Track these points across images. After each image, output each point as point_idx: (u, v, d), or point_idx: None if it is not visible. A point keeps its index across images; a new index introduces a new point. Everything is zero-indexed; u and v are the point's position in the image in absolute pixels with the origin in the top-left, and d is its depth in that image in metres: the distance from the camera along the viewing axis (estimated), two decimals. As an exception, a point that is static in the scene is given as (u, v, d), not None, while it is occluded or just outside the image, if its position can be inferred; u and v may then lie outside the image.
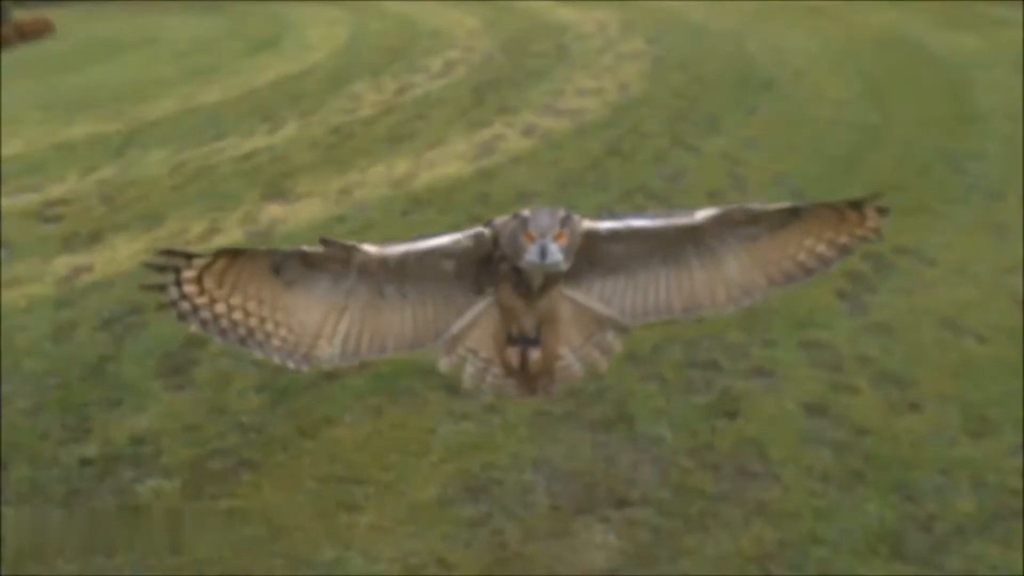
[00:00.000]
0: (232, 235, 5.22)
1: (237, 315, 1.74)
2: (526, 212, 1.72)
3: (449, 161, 6.50)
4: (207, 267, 1.67)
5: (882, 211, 1.72)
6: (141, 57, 11.43)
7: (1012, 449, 3.16)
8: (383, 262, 1.72)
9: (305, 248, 1.65)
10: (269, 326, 1.77)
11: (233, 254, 1.63)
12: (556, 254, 1.69)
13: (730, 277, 1.81)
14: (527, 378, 1.89)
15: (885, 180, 5.83)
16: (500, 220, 1.76)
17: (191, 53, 11.36)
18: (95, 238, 5.41)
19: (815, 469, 3.10)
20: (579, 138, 6.85)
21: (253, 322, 1.75)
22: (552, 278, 1.77)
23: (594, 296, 1.90)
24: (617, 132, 6.91)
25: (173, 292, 1.72)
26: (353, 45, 11.28)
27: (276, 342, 1.79)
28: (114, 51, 11.91)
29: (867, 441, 3.24)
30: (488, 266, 1.80)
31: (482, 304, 1.88)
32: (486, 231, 1.79)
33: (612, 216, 1.83)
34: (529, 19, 12.27)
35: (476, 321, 1.89)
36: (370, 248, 1.70)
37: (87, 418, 3.57)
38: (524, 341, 1.83)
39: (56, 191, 6.31)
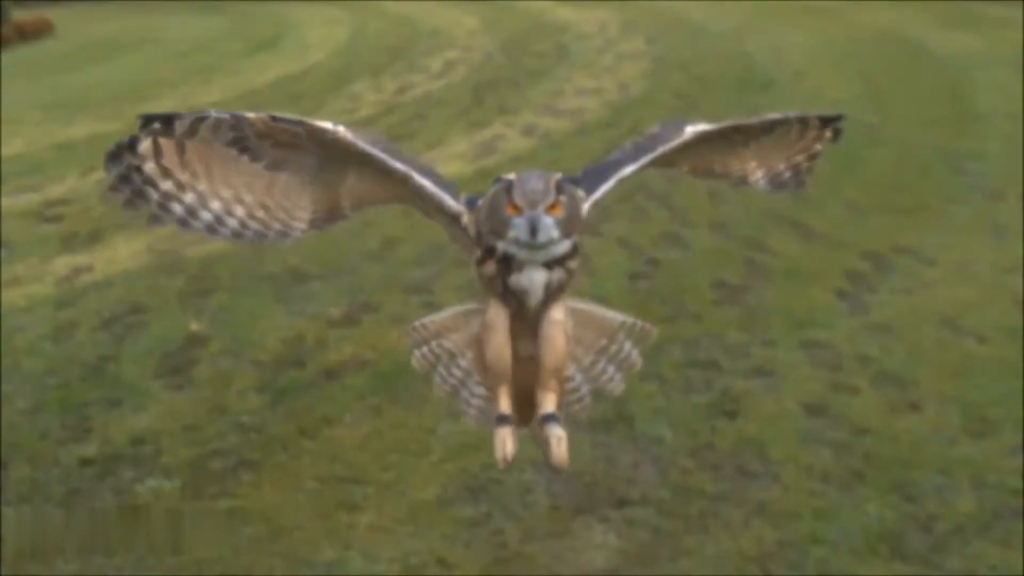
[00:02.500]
0: (232, 235, 5.22)
1: (214, 204, 1.45)
2: (510, 175, 1.44)
3: (449, 161, 6.50)
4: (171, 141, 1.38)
5: (837, 133, 1.69)
6: (141, 57, 11.43)
7: (1012, 449, 3.16)
8: (352, 149, 1.48)
9: (267, 117, 1.42)
10: (238, 209, 1.50)
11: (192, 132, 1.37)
12: (550, 230, 1.39)
13: (676, 167, 1.80)
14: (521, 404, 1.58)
15: (885, 180, 5.83)
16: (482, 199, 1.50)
17: (191, 53, 11.36)
18: (95, 238, 5.41)
19: (815, 469, 3.10)
20: (579, 138, 6.85)
21: (216, 205, 1.47)
22: (556, 284, 1.45)
23: None
24: (617, 132, 6.91)
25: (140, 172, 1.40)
26: (353, 45, 11.29)
27: (254, 224, 1.51)
28: (114, 51, 11.91)
29: (867, 441, 3.24)
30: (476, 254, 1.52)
31: (468, 305, 1.62)
32: (463, 210, 1.51)
33: (585, 173, 1.62)
34: (529, 19, 12.27)
35: (455, 320, 1.63)
36: (338, 127, 1.46)
37: (87, 418, 3.57)
38: (545, 417, 1.50)
39: (56, 191, 6.31)
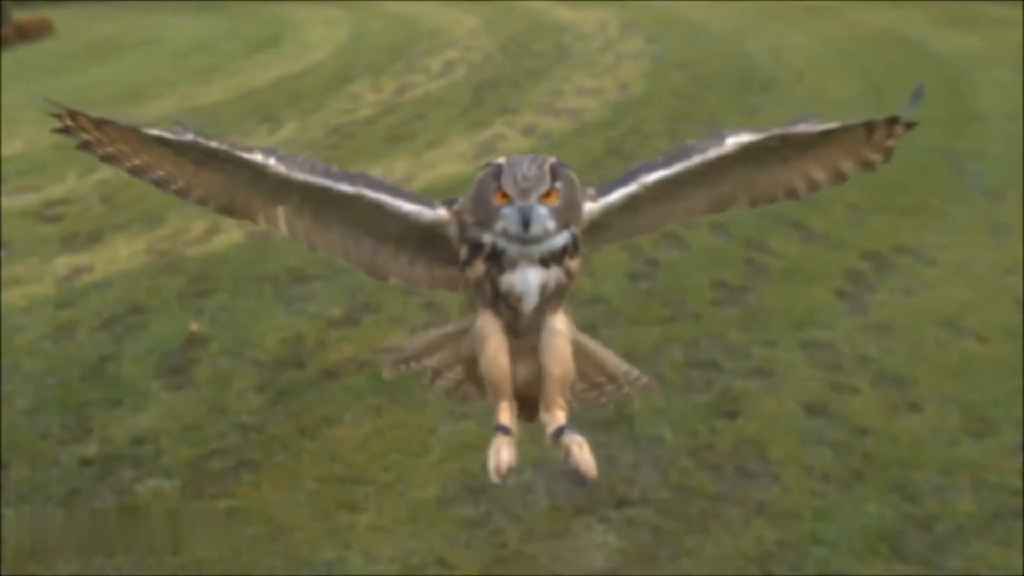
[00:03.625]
0: (232, 235, 5.22)
1: (159, 172, 1.49)
2: (500, 160, 1.30)
3: (449, 161, 6.50)
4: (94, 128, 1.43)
5: (910, 125, 1.48)
6: (141, 57, 11.43)
7: (1012, 449, 3.16)
8: (290, 181, 1.43)
9: (182, 139, 1.42)
10: (199, 190, 1.52)
11: (102, 120, 1.43)
12: (544, 221, 1.26)
13: (722, 195, 1.56)
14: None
15: (885, 180, 5.83)
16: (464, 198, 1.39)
17: (191, 53, 11.36)
18: (95, 238, 5.41)
19: (815, 469, 3.10)
20: (579, 138, 6.85)
21: (181, 183, 1.50)
22: (554, 286, 1.33)
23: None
24: (617, 132, 6.91)
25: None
26: (353, 45, 11.29)
27: (214, 202, 1.52)
28: (114, 51, 11.91)
29: (867, 441, 3.24)
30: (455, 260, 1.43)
31: (453, 326, 1.52)
32: (441, 213, 1.38)
33: (615, 182, 1.46)
34: (529, 19, 12.27)
35: (439, 341, 1.53)
36: (269, 160, 1.41)
37: (87, 418, 3.57)
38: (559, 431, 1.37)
39: (56, 191, 6.31)
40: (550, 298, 1.35)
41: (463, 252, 1.37)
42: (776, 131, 1.44)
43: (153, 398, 3.70)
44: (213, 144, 1.41)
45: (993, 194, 5.52)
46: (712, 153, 1.44)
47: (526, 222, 1.26)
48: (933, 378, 3.61)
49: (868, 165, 1.50)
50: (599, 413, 3.46)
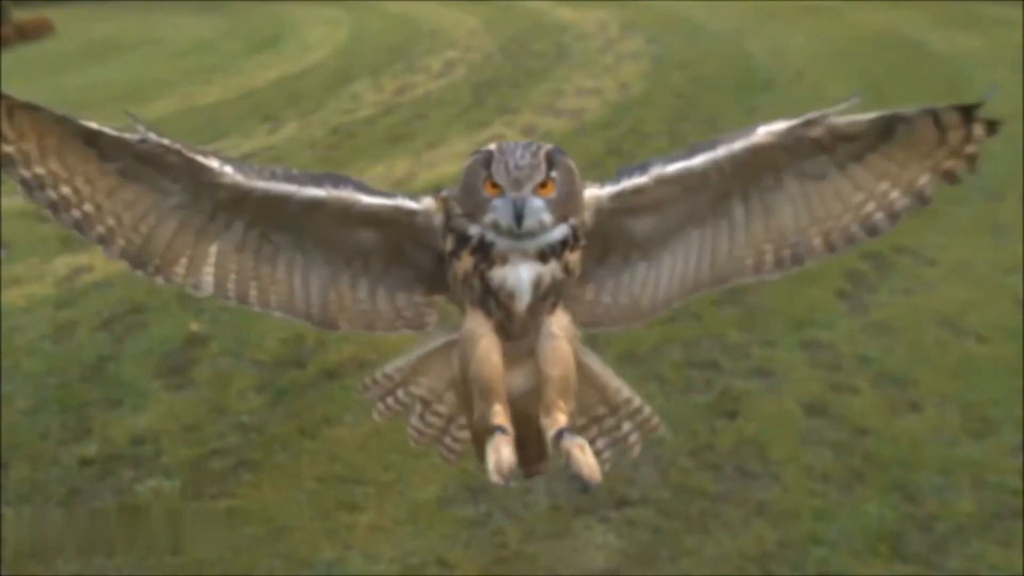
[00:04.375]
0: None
1: (64, 189, 1.29)
2: (491, 146, 1.19)
3: (449, 161, 6.50)
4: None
5: (992, 125, 1.25)
6: (141, 57, 11.43)
7: (1012, 449, 3.16)
8: (247, 193, 1.25)
9: (127, 136, 1.26)
10: (108, 220, 1.32)
11: (27, 106, 1.24)
12: (539, 214, 1.15)
13: (781, 231, 1.32)
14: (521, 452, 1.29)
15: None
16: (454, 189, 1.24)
17: (191, 53, 11.36)
18: (95, 238, 5.40)
19: (815, 469, 3.10)
20: (579, 138, 6.85)
21: (88, 208, 1.32)
22: (550, 282, 1.21)
23: (599, 287, 1.36)
24: (617, 132, 6.91)
25: None
26: (353, 45, 11.29)
27: (120, 241, 1.34)
28: (114, 51, 11.91)
29: (867, 441, 3.24)
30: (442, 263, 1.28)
31: (440, 339, 1.36)
32: (427, 202, 1.24)
33: (623, 172, 1.29)
34: (529, 19, 12.27)
35: (427, 361, 1.37)
36: (225, 167, 1.24)
37: (87, 418, 3.57)
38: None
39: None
40: (546, 295, 1.23)
41: (449, 242, 1.23)
42: (812, 115, 1.25)
43: (153, 398, 3.70)
44: (167, 142, 1.24)
45: (993, 194, 5.52)
46: (740, 143, 1.26)
47: (519, 215, 1.15)
48: (933, 378, 3.61)
49: (949, 176, 1.28)
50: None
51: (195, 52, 11.38)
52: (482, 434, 1.27)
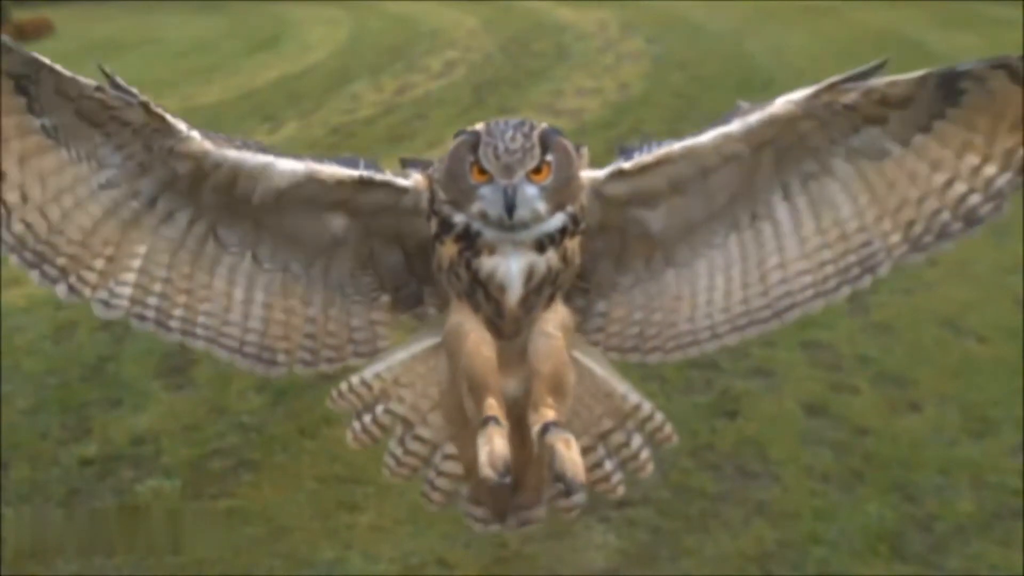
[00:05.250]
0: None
1: None
2: (478, 126, 1.06)
3: (449, 161, 6.50)
4: None
5: None
6: (141, 57, 11.43)
7: (1012, 449, 3.16)
8: (212, 167, 1.06)
9: (82, 80, 1.07)
10: (10, 194, 1.06)
11: None
12: (533, 203, 1.02)
13: (841, 229, 1.13)
14: (503, 491, 1.17)
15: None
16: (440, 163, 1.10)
17: (191, 53, 11.36)
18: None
19: (815, 469, 3.10)
20: (579, 138, 6.80)
21: None
22: (545, 273, 1.07)
23: (627, 299, 1.20)
24: (617, 132, 6.91)
25: None
26: (353, 45, 11.28)
27: (17, 226, 1.06)
28: (114, 51, 11.90)
29: (867, 441, 3.24)
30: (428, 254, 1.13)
31: (426, 340, 1.20)
32: (416, 180, 1.10)
33: (625, 151, 1.17)
34: (529, 19, 12.26)
35: (411, 369, 1.21)
36: (192, 132, 1.06)
37: (87, 418, 3.57)
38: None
39: (56, 191, 6.30)
40: (541, 287, 1.09)
41: (433, 225, 1.10)
42: (835, 78, 1.09)
43: (153, 398, 3.70)
44: (134, 91, 1.06)
45: (993, 194, 5.52)
46: (756, 116, 1.11)
47: (510, 206, 1.01)
48: (933, 378, 3.61)
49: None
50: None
51: (195, 52, 11.38)
52: (473, 464, 1.09)
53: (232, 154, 1.10)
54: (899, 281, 4.46)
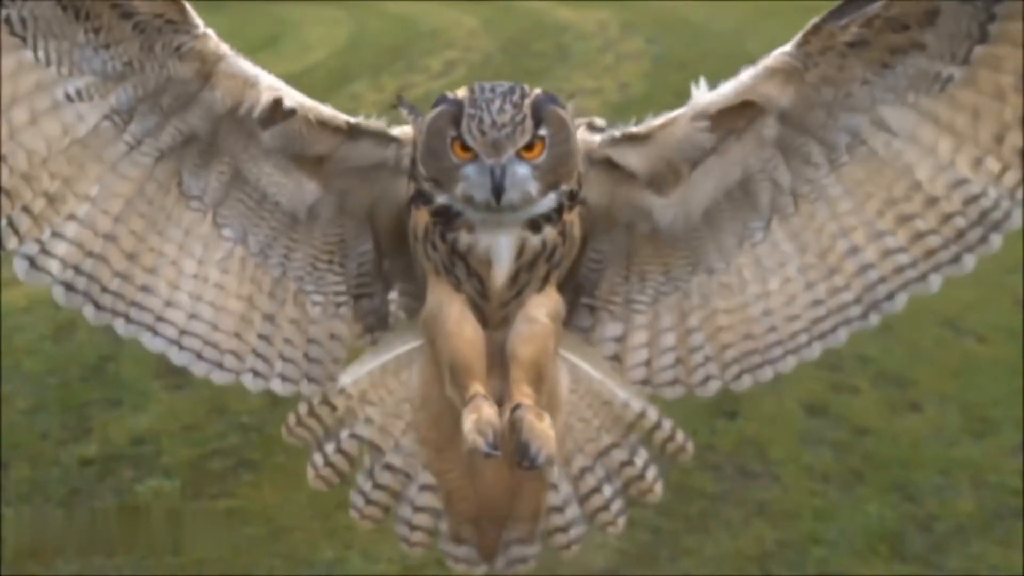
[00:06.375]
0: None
1: None
2: (460, 92, 0.95)
3: (449, 161, 6.50)
4: None
5: None
6: (141, 57, 11.42)
7: (1012, 449, 3.16)
8: (214, 67, 0.94)
9: None
10: None
11: None
12: (524, 184, 0.89)
13: (929, 189, 0.95)
14: (490, 518, 1.04)
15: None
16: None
17: (191, 53, 11.35)
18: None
19: (815, 469, 3.10)
20: (579, 138, 6.85)
21: None
22: (540, 248, 0.92)
23: (651, 334, 1.05)
24: (617, 132, 6.91)
25: None
26: (353, 45, 11.28)
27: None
28: (114, 51, 11.90)
29: (867, 441, 3.24)
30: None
31: (397, 347, 1.05)
32: (405, 132, 0.99)
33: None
34: (529, 19, 12.26)
35: (380, 383, 1.05)
36: (208, 28, 0.89)
37: (87, 418, 3.57)
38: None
39: (56, 191, 6.30)
40: (534, 263, 0.95)
41: (411, 188, 0.97)
42: (816, 19, 0.92)
43: (153, 398, 3.70)
44: None
45: (993, 194, 5.52)
46: (749, 71, 0.94)
47: (498, 188, 0.88)
48: (933, 378, 3.61)
49: None
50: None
51: (195, 52, 11.38)
52: (456, 494, 0.98)
53: (248, 66, 0.96)
54: (899, 281, 4.47)
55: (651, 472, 1.16)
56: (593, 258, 1.05)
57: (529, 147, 0.89)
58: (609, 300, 1.06)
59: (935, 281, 1.15)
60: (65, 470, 3.26)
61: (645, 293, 1.07)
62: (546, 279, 0.97)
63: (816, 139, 1.00)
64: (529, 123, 0.89)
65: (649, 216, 1.05)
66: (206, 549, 2.84)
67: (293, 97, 1.08)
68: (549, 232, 0.94)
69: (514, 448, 0.90)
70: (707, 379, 1.15)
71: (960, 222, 1.03)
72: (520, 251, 0.93)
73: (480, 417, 0.91)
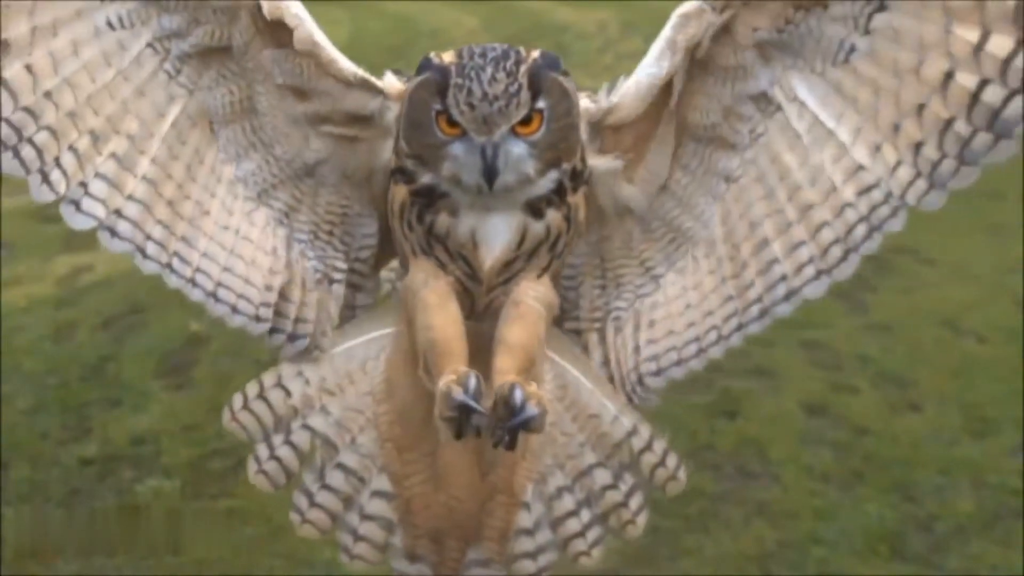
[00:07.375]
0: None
1: None
2: (447, 56, 0.85)
3: (449, 161, 6.50)
4: None
5: None
6: (141, 57, 11.43)
7: (1012, 449, 3.16)
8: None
9: None
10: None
11: None
12: (521, 165, 0.80)
13: (831, 175, 0.91)
14: (454, 534, 0.93)
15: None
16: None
17: (191, 53, 11.36)
18: (95, 238, 5.40)
19: (815, 469, 3.10)
20: (579, 138, 6.85)
21: None
22: (543, 234, 0.83)
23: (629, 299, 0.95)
24: (617, 132, 6.91)
25: None
26: (353, 45, 11.26)
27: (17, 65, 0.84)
28: (114, 51, 11.91)
29: (867, 441, 3.24)
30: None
31: (369, 331, 0.97)
32: (391, 84, 0.89)
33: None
34: (529, 19, 12.26)
35: (342, 369, 0.96)
36: None
37: (87, 418, 3.57)
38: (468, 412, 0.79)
39: (56, 191, 6.30)
40: (535, 253, 0.86)
41: (393, 160, 0.89)
42: None
43: (153, 398, 3.70)
44: None
45: (993, 194, 5.51)
46: (668, 28, 0.88)
47: (490, 170, 0.78)
48: (933, 378, 3.61)
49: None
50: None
51: (195, 52, 11.39)
52: (415, 503, 0.84)
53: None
54: (899, 281, 4.47)
55: (636, 500, 0.99)
56: (568, 275, 0.98)
57: (525, 122, 0.79)
58: (592, 318, 0.99)
59: (821, 286, 1.06)
60: (65, 470, 3.27)
61: (623, 298, 1.01)
62: (546, 270, 0.89)
63: (734, 95, 0.97)
64: (525, 94, 0.78)
65: (627, 204, 0.98)
66: (206, 549, 2.84)
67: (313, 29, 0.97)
68: (553, 217, 0.85)
69: (497, 403, 0.79)
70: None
71: (851, 215, 0.98)
72: (521, 239, 0.84)
73: (458, 370, 0.82)
